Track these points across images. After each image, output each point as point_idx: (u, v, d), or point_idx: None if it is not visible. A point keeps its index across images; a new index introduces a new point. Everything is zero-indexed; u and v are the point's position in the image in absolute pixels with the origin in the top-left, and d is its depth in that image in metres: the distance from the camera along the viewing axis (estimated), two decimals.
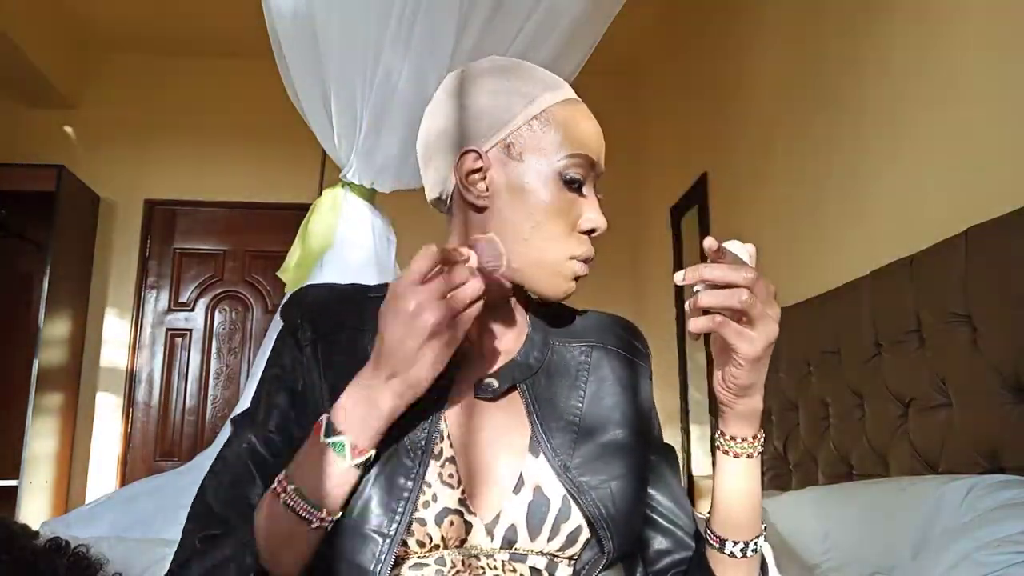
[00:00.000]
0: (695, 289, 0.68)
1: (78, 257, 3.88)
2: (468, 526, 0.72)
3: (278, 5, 1.99)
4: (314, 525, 0.66)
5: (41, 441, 3.48)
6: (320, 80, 2.11)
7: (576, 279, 0.78)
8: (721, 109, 3.09)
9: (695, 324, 0.67)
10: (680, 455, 3.47)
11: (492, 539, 0.72)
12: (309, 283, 0.86)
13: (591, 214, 0.78)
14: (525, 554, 0.73)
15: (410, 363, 0.65)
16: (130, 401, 3.96)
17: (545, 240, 0.76)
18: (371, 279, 2.04)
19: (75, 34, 4.03)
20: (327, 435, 0.67)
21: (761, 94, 2.72)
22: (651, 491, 0.84)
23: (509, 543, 0.73)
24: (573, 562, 0.75)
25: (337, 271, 2.13)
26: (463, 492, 0.73)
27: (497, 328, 0.82)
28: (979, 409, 1.41)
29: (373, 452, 0.68)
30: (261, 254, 4.10)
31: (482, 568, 0.71)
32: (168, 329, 4.06)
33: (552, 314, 0.86)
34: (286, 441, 0.74)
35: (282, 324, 0.81)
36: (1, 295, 3.84)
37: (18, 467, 3.34)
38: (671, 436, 3.53)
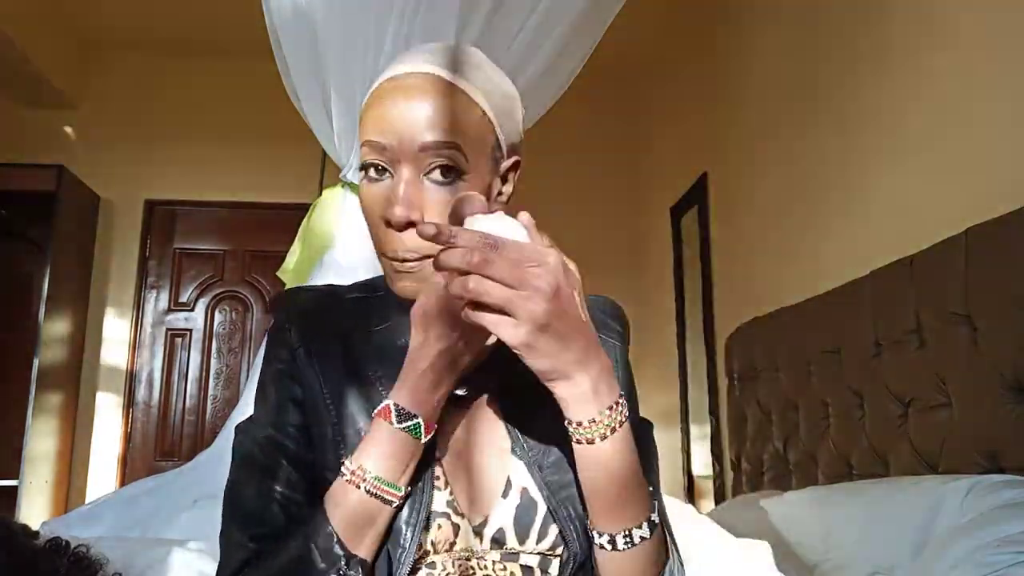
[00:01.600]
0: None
1: (78, 257, 3.88)
2: (456, 528, 0.71)
3: (278, 5, 1.99)
4: (395, 504, 0.68)
5: (41, 441, 3.48)
6: (320, 80, 2.11)
7: (406, 275, 0.71)
8: (721, 109, 3.09)
9: (466, 316, 0.60)
10: (679, 455, 3.47)
11: (481, 541, 0.72)
12: (295, 286, 0.84)
13: (391, 205, 0.69)
14: (517, 553, 0.72)
15: (461, 352, 0.67)
16: (130, 401, 3.95)
17: (370, 238, 0.75)
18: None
19: (75, 34, 4.03)
20: (401, 420, 0.67)
21: (761, 94, 2.72)
22: None
23: (499, 544, 0.72)
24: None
25: (337, 271, 2.13)
26: (451, 493, 0.72)
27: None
28: (979, 409, 1.41)
29: (435, 427, 0.69)
30: (261, 254, 4.10)
31: (472, 569, 0.71)
32: (168, 329, 4.06)
33: None
34: (301, 430, 0.74)
35: (274, 323, 0.81)
36: (1, 295, 3.84)
37: (18, 467, 3.34)
38: (671, 436, 3.54)
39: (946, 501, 1.23)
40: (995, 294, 1.38)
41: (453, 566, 0.70)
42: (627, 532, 0.67)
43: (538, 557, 0.73)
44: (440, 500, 0.71)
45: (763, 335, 2.40)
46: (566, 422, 0.66)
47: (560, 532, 0.72)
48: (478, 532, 0.71)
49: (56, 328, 3.60)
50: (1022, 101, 1.47)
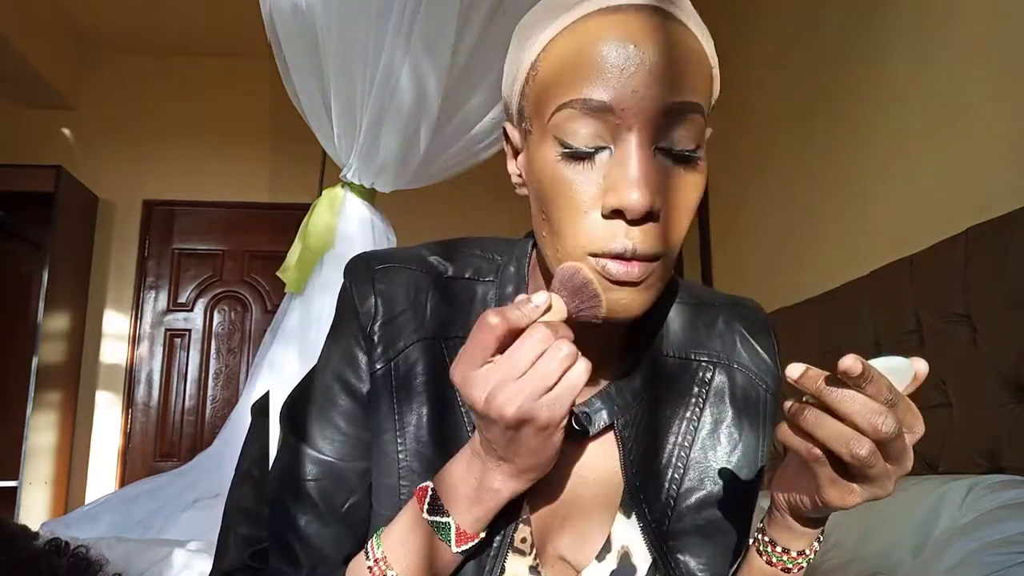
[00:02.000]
0: (804, 398, 0.50)
1: (77, 257, 3.87)
2: None
3: (278, 5, 1.99)
4: None
5: (40, 442, 3.47)
6: (320, 80, 2.11)
7: (628, 284, 0.52)
8: (720, 108, 3.08)
9: (785, 436, 0.49)
10: None
11: None
12: (383, 249, 0.67)
13: (616, 188, 0.50)
14: None
15: (532, 456, 0.51)
16: (129, 401, 3.95)
17: (554, 236, 0.54)
18: None
19: (73, 35, 4.02)
20: (431, 512, 0.54)
21: (761, 93, 2.72)
22: None
23: None
24: None
25: (337, 271, 2.13)
26: (535, 558, 0.60)
27: (593, 340, 0.58)
28: (979, 409, 1.41)
29: (481, 537, 0.55)
30: (260, 254, 4.09)
31: None
32: (167, 329, 4.06)
33: (662, 304, 0.63)
34: (343, 459, 0.63)
35: (346, 300, 0.64)
36: (0, 296, 3.84)
37: (18, 468, 3.34)
38: None
39: (946, 501, 1.23)
40: (995, 294, 1.38)
41: None
42: None
43: None
44: (523, 566, 0.60)
45: None
46: (767, 540, 0.57)
47: None
48: None
49: (55, 329, 3.60)
50: (1021, 101, 1.47)
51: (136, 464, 3.89)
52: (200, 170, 4.11)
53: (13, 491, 3.32)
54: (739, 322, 0.66)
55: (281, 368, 2.08)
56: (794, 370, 0.49)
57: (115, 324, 3.98)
